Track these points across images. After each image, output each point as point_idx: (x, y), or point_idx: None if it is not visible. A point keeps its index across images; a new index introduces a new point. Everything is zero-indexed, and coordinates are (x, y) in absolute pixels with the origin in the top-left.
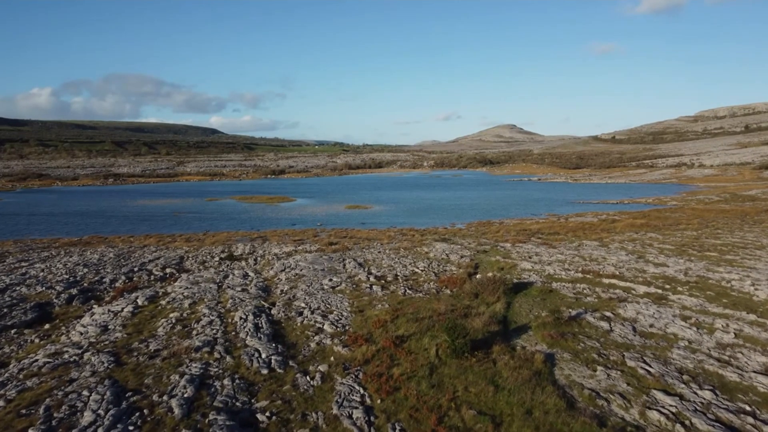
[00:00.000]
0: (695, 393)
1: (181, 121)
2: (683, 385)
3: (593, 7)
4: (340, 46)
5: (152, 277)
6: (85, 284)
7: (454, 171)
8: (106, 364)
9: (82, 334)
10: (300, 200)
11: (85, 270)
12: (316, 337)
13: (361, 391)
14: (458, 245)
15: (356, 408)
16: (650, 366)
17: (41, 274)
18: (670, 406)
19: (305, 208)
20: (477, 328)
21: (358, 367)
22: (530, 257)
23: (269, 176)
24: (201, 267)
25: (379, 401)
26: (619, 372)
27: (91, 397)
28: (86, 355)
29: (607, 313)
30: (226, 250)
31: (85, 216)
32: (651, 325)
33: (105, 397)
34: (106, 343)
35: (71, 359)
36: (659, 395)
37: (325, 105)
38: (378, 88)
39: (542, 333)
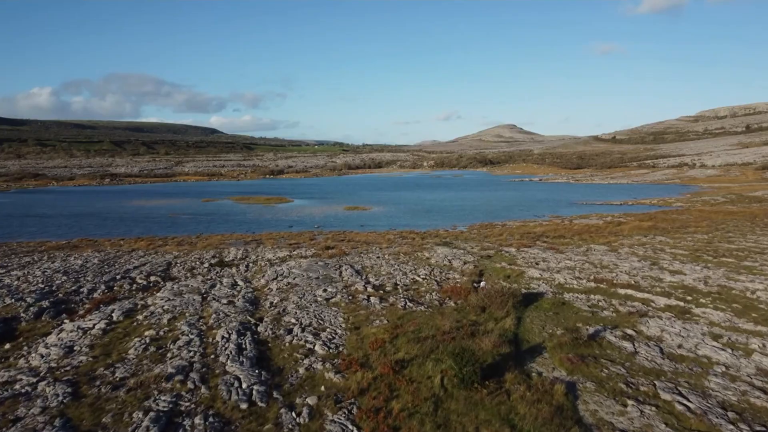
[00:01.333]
0: None
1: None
2: (731, 426)
3: (594, 8)
4: (341, 46)
5: (134, 287)
6: (60, 295)
7: (454, 171)
8: (60, 398)
9: (43, 356)
10: (298, 201)
11: (64, 278)
12: (306, 361)
13: (355, 431)
14: (461, 250)
15: None
16: (688, 399)
17: (15, 282)
18: None
19: (303, 210)
20: (486, 350)
21: (352, 400)
22: (537, 263)
23: (268, 176)
24: (188, 274)
25: None
26: (653, 407)
27: None
28: (41, 385)
29: (629, 331)
30: (217, 256)
31: (79, 217)
32: (679, 346)
33: None
34: (68, 368)
35: (23, 390)
36: None
37: (325, 105)
38: (378, 88)
39: (560, 356)
